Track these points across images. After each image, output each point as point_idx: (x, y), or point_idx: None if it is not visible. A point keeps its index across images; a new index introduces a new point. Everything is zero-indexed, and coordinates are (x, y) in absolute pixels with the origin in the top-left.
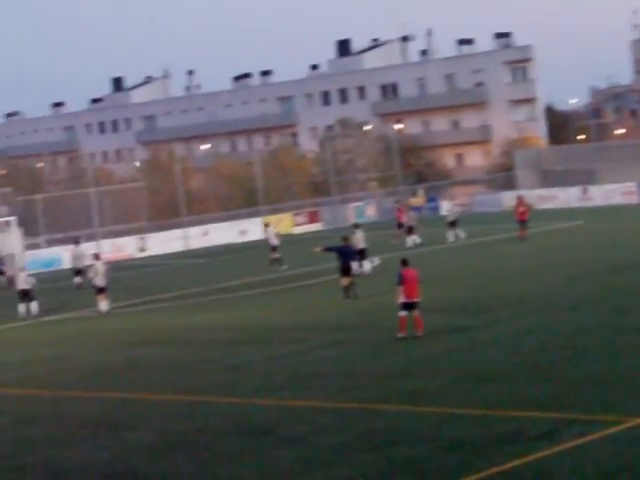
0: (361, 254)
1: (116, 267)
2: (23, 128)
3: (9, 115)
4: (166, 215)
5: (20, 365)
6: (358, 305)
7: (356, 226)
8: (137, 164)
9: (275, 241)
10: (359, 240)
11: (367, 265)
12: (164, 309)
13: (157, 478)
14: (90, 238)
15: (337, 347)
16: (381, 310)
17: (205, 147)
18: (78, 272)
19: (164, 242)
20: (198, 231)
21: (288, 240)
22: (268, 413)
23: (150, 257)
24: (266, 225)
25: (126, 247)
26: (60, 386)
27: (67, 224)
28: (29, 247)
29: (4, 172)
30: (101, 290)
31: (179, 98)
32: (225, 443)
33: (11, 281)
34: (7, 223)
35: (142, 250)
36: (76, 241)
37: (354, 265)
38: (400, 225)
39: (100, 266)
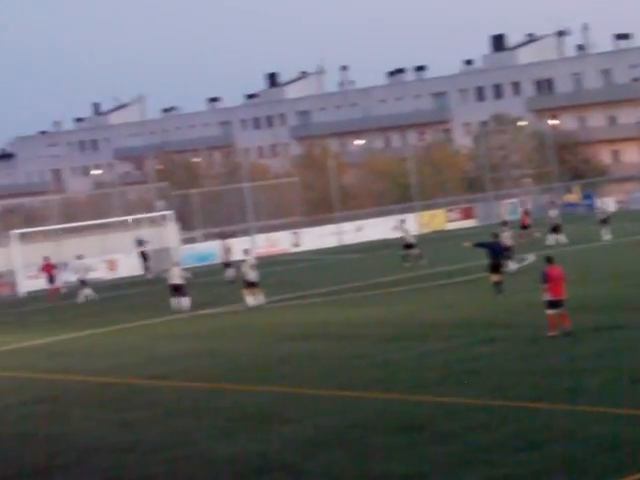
0: (507, 252)
1: (270, 262)
2: (179, 123)
3: (166, 110)
4: (320, 210)
5: (176, 358)
6: (507, 303)
7: (505, 223)
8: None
9: (411, 239)
10: (507, 238)
11: (513, 265)
12: (318, 304)
13: (310, 472)
14: (245, 233)
15: (490, 344)
16: (530, 308)
17: (359, 142)
18: (227, 265)
19: (318, 237)
20: (352, 226)
21: (441, 236)
22: (422, 409)
23: (304, 252)
24: (402, 222)
25: (280, 242)
26: (215, 379)
27: (222, 219)
28: (185, 241)
29: (161, 167)
30: (251, 285)
31: (333, 94)
32: (379, 439)
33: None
34: (164, 217)
35: (296, 245)
36: (224, 235)
37: (506, 263)
38: (524, 227)
39: (251, 261)
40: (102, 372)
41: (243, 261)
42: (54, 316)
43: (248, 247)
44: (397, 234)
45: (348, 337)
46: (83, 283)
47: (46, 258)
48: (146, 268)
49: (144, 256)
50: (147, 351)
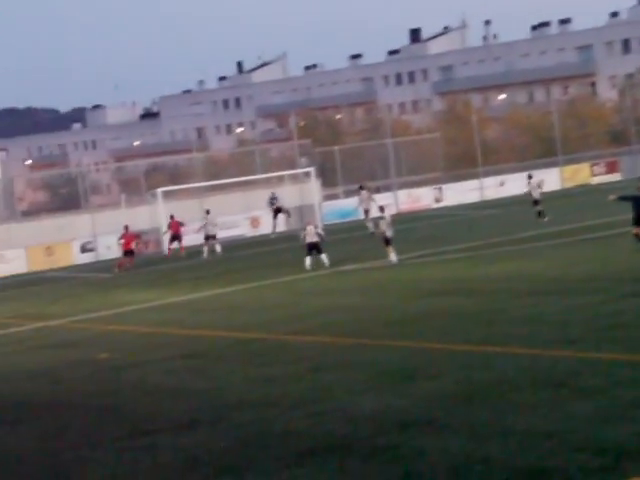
0: None
1: (412, 218)
2: (322, 80)
3: (308, 68)
4: (462, 166)
5: (318, 314)
6: None
7: None
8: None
9: (537, 195)
10: None
11: None
12: (459, 259)
13: (453, 428)
14: (387, 189)
15: (636, 298)
16: None
17: (502, 97)
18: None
19: (459, 192)
20: (494, 182)
21: (585, 190)
22: (565, 365)
23: (446, 207)
24: (529, 177)
25: (422, 198)
26: (358, 334)
27: (364, 175)
28: (327, 198)
29: (303, 124)
30: (388, 241)
31: (476, 48)
32: (521, 394)
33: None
34: (307, 174)
35: (438, 201)
36: (361, 187)
37: None
38: None
39: (387, 219)
40: (246, 328)
41: (381, 218)
42: (198, 273)
43: (384, 204)
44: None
45: (490, 292)
46: (209, 238)
47: (172, 216)
48: (274, 226)
49: (278, 212)
50: (290, 307)
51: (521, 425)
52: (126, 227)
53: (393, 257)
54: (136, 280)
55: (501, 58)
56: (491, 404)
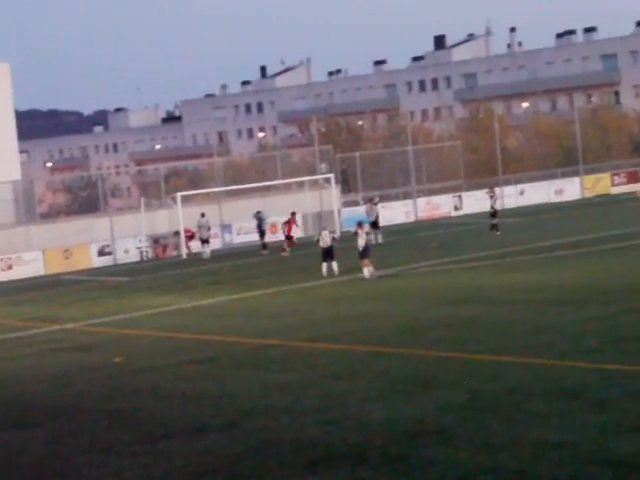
0: None
1: (431, 225)
2: (345, 86)
3: (331, 73)
4: (482, 173)
5: (333, 321)
6: None
7: None
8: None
9: (497, 206)
10: None
11: None
12: (477, 268)
13: (465, 438)
14: (407, 196)
15: None
16: None
17: (524, 105)
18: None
19: (479, 201)
20: (514, 190)
21: (606, 200)
22: (578, 376)
23: (465, 215)
24: (491, 189)
25: (442, 205)
26: (373, 342)
27: (384, 182)
28: (346, 204)
29: (324, 129)
30: (364, 255)
31: (500, 56)
32: (534, 405)
33: (266, 246)
34: (327, 180)
35: (457, 209)
36: (370, 200)
37: None
38: None
39: (364, 233)
40: (261, 334)
41: (355, 233)
42: (215, 277)
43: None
44: (560, 198)
45: (507, 302)
46: (204, 242)
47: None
48: (263, 245)
49: (262, 232)
50: (305, 314)
51: (532, 436)
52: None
53: (366, 272)
54: (153, 284)
55: (525, 66)
56: (503, 414)
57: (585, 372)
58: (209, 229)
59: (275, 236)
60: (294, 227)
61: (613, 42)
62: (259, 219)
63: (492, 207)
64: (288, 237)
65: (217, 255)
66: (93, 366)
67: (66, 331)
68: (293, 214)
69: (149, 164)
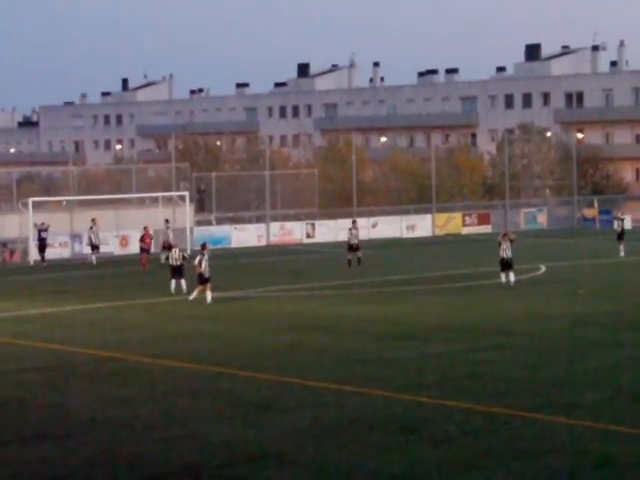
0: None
1: (282, 251)
2: (206, 105)
3: (193, 92)
4: (337, 204)
5: (177, 338)
6: (511, 311)
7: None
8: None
9: (355, 240)
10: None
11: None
12: (326, 297)
13: (302, 464)
14: (260, 220)
15: (496, 351)
16: (533, 317)
17: (383, 140)
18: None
19: (332, 230)
20: (367, 222)
21: (455, 239)
22: (419, 411)
23: (317, 244)
24: (354, 222)
25: (294, 232)
26: (216, 362)
27: (239, 204)
28: (200, 223)
29: (182, 147)
30: (206, 280)
31: (362, 89)
32: (373, 436)
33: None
34: (182, 197)
35: (310, 236)
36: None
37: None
38: None
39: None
40: (104, 346)
41: (202, 254)
42: (62, 286)
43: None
44: (411, 234)
45: (352, 332)
46: (94, 248)
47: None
48: (41, 258)
49: (42, 245)
50: (150, 329)
51: (370, 467)
52: None
53: (196, 294)
54: None
55: (386, 101)
56: (342, 443)
57: (424, 407)
58: (97, 236)
59: (126, 249)
60: (148, 240)
61: (473, 85)
62: (39, 231)
63: (353, 241)
64: (144, 250)
65: (63, 265)
66: None
67: None
68: (145, 228)
69: (1, 167)
